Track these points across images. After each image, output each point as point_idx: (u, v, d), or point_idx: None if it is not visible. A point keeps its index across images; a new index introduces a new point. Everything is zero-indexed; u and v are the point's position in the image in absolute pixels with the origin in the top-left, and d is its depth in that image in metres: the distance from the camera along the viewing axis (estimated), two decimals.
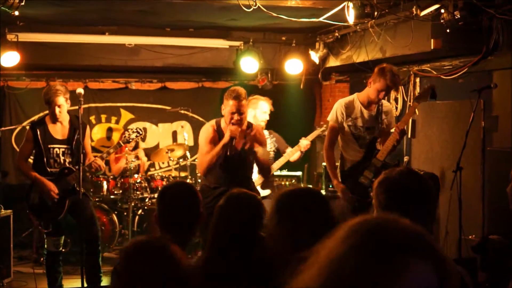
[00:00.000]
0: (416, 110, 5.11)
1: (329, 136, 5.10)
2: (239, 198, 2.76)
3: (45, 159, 5.31)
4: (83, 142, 5.23)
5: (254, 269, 2.54)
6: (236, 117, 4.79)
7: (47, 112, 5.45)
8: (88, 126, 5.65)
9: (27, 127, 5.87)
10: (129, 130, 5.78)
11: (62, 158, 5.34)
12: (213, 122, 5.04)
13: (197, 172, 7.27)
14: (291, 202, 2.30)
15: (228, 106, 4.82)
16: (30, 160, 5.63)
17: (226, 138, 4.77)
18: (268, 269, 2.57)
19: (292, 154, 6.39)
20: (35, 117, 7.97)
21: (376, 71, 4.93)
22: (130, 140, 5.72)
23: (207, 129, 4.98)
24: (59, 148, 5.33)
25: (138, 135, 5.74)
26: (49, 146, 5.33)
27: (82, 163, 5.00)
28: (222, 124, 4.96)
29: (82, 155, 5.09)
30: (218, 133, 4.94)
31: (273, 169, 6.22)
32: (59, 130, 5.38)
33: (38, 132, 5.33)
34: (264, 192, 5.88)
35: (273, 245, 2.29)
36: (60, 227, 5.48)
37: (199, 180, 7.03)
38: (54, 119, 5.35)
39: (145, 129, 8.54)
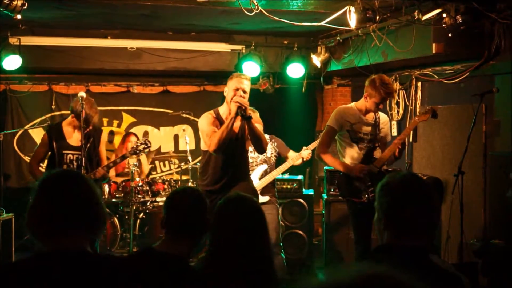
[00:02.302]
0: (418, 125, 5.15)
1: (325, 138, 5.08)
2: (236, 203, 2.79)
3: (57, 165, 5.33)
4: (98, 148, 5.25)
5: (253, 273, 2.56)
6: (240, 93, 4.67)
7: (51, 113, 5.46)
8: (104, 133, 5.67)
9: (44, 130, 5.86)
10: (137, 142, 5.80)
11: (75, 164, 5.34)
12: (211, 111, 4.96)
13: (198, 174, 7.26)
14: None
15: (231, 83, 4.73)
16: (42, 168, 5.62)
17: (233, 110, 4.58)
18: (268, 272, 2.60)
19: (297, 159, 6.38)
20: (37, 121, 7.98)
21: (368, 85, 4.92)
22: (137, 151, 5.73)
23: (206, 116, 4.89)
24: (72, 154, 5.36)
25: (146, 147, 5.74)
26: (63, 151, 5.37)
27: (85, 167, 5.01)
28: (221, 111, 4.89)
29: (84, 158, 5.08)
30: (218, 120, 4.86)
31: (276, 174, 6.21)
32: (74, 136, 5.39)
33: (53, 137, 5.36)
34: (263, 199, 5.84)
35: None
36: None
37: None
38: (74, 126, 5.36)
39: (146, 133, 8.57)
